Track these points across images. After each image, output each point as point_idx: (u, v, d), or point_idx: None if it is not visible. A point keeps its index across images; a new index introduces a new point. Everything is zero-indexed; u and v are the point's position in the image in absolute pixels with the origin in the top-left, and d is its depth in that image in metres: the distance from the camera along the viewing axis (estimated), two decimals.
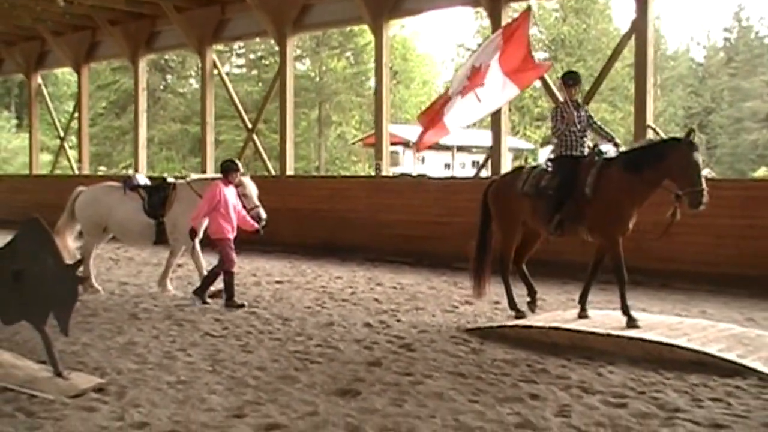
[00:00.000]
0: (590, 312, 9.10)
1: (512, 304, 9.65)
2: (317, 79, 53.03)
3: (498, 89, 10.00)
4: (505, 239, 9.73)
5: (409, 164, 42.48)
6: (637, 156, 8.52)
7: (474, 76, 9.93)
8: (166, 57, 47.97)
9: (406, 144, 42.87)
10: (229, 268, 10.48)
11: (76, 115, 25.12)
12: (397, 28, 56.10)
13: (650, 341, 7.69)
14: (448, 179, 19.05)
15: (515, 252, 9.76)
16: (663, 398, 6.30)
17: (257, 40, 41.55)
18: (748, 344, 7.74)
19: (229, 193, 10.52)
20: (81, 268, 8.51)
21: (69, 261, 11.53)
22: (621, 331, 8.00)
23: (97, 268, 12.65)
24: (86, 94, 24.88)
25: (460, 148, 45.70)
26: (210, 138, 20.49)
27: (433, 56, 67.10)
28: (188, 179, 11.82)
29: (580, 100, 9.52)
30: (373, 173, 16.87)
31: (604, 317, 8.90)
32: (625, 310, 8.39)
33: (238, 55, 53.83)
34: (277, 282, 12.78)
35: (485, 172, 16.35)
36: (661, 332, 8.01)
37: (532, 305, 9.62)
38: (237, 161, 10.94)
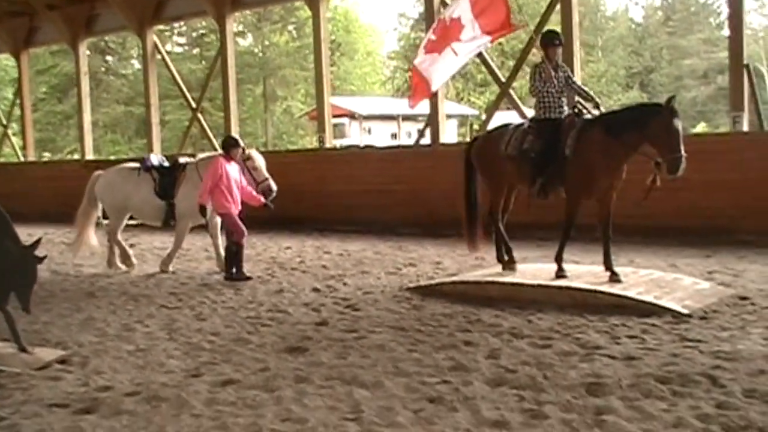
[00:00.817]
0: (527, 266, 9.73)
1: (500, 256, 9.81)
2: (260, 54, 53.00)
3: (471, 41, 10.20)
4: (493, 196, 9.81)
5: (356, 135, 42.88)
6: (617, 119, 8.64)
7: (451, 28, 10.12)
8: (107, 39, 47.57)
9: (351, 116, 43.35)
10: (239, 239, 10.59)
11: (18, 102, 25.10)
12: (337, 0, 56.31)
13: (576, 288, 8.34)
14: (389, 148, 19.51)
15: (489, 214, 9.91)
16: (585, 338, 6.93)
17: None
18: (665, 287, 8.43)
19: (231, 169, 10.63)
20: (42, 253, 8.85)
21: (85, 249, 12.06)
22: (550, 281, 8.61)
23: (49, 252, 12.94)
24: (27, 80, 24.86)
25: (406, 117, 46.13)
26: (155, 119, 20.76)
27: (376, 26, 67.27)
28: (196, 159, 11.91)
29: (559, 61, 9.38)
30: (317, 146, 17.27)
31: (537, 270, 9.51)
32: (559, 260, 8.90)
33: (180, 34, 53.49)
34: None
35: (425, 140, 16.87)
36: (587, 280, 8.66)
37: (511, 264, 9.66)
38: (237, 137, 11.09)
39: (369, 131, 44.15)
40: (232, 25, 19.21)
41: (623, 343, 6.73)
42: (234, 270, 10.59)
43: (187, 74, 45.45)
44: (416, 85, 10.59)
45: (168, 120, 44.16)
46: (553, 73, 9.11)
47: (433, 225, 14.49)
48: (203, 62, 49.58)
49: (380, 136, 44.83)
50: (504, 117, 15.33)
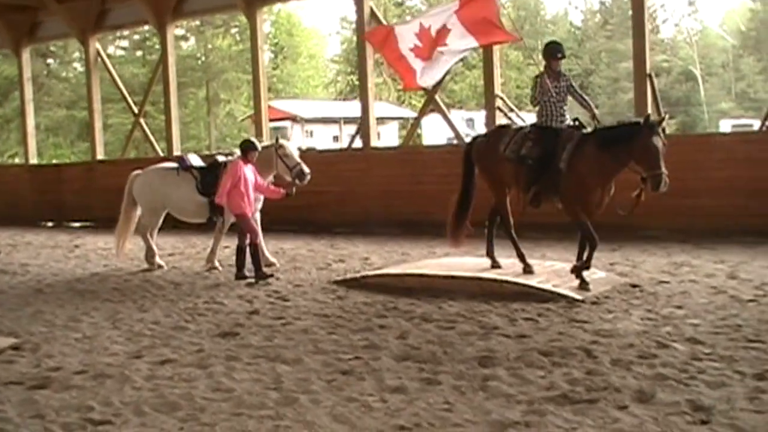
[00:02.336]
0: (450, 259, 10.61)
1: (490, 250, 10.10)
2: (203, 58, 53.38)
3: (458, 42, 10.53)
4: (496, 196, 10.05)
5: (298, 138, 43.61)
6: (609, 135, 8.83)
7: (439, 37, 10.47)
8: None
9: (293, 119, 44.08)
10: (253, 240, 10.83)
11: None
12: (277, 7, 56.71)
13: (484, 278, 9.26)
14: (325, 151, 20.33)
15: (490, 211, 10.16)
16: (486, 321, 7.84)
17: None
18: (564, 276, 9.38)
19: (248, 171, 10.87)
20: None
21: (122, 254, 12.52)
22: (461, 272, 9.52)
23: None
24: None
25: (348, 120, 47.00)
26: (98, 125, 21.33)
27: (318, 30, 68.03)
28: (236, 156, 11.94)
29: (562, 70, 9.57)
30: None
31: (460, 263, 10.41)
32: (584, 267, 9.11)
33: (122, 37, 53.58)
34: (170, 255, 13.92)
35: (357, 142, 17.71)
36: (497, 271, 9.58)
37: (527, 268, 9.74)
38: (255, 141, 11.27)
39: (311, 134, 44.91)
40: (173, 33, 19.86)
41: (518, 325, 7.66)
42: (254, 270, 10.78)
43: (130, 78, 45.64)
44: (405, 76, 11.00)
45: (111, 124, 44.28)
46: (549, 84, 9.30)
47: (365, 224, 15.37)
48: (146, 66, 49.80)
49: (322, 138, 45.67)
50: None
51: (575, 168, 8.93)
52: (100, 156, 21.37)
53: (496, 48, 15.01)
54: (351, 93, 55.67)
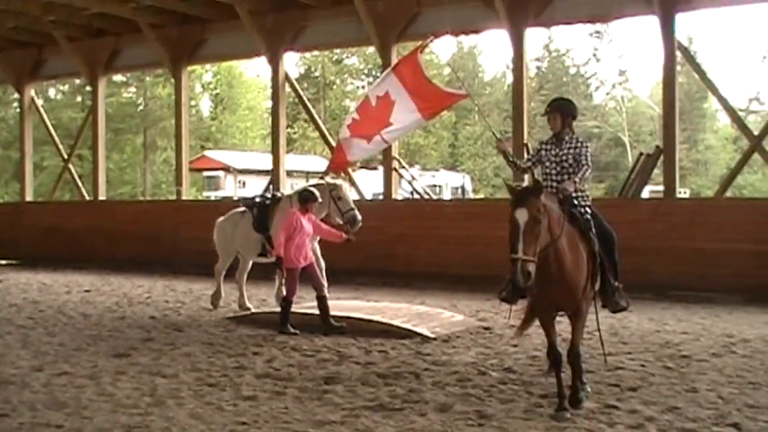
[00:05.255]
0: (338, 302, 11.85)
1: None
2: (142, 105, 54.46)
3: (404, 122, 10.32)
4: None
5: (231, 188, 44.81)
6: None
7: (379, 109, 10.16)
8: None
9: (226, 169, 45.33)
10: (289, 297, 10.61)
11: None
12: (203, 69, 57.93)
13: (355, 318, 10.65)
14: (237, 200, 21.73)
15: None
16: (345, 351, 9.24)
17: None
18: (425, 318, 10.85)
19: (306, 222, 10.66)
20: None
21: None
22: (336, 312, 10.89)
23: None
24: None
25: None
26: (29, 167, 22.53)
27: (258, 81, 69.43)
28: (291, 192, 12.46)
29: (567, 136, 7.59)
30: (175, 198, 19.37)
31: (347, 305, 11.78)
32: None
33: (62, 82, 54.42)
34: (86, 291, 15.08)
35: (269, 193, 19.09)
36: (367, 312, 11.01)
37: None
38: (315, 192, 10.97)
39: (243, 184, 46.07)
40: (104, 86, 21.22)
41: (371, 355, 9.07)
42: (322, 321, 10.57)
43: (67, 122, 46.75)
44: (336, 158, 11.16)
45: (46, 165, 45.09)
46: (542, 149, 7.66)
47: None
48: (83, 110, 50.69)
49: (254, 189, 46.80)
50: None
51: None
52: (29, 197, 22.46)
53: None
54: (288, 146, 57.19)
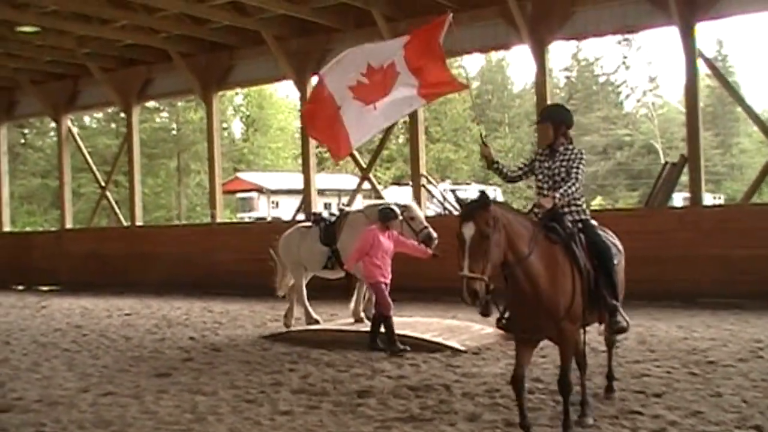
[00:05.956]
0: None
1: None
2: (175, 130, 55.31)
3: (401, 100, 9.76)
4: None
5: (264, 209, 45.37)
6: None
7: (387, 75, 9.59)
8: None
9: (259, 190, 45.92)
10: (386, 312, 10.52)
11: None
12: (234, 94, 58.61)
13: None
14: (270, 222, 22.21)
15: None
16: (378, 366, 9.53)
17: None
18: (455, 331, 11.11)
19: (385, 239, 10.64)
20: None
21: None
22: (366, 328, 11.17)
23: None
24: None
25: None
26: (68, 195, 23.19)
27: (289, 102, 70.10)
28: (362, 206, 12.67)
29: (561, 147, 7.13)
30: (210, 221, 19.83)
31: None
32: None
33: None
34: (126, 314, 15.53)
35: (300, 215, 19.46)
36: (398, 327, 11.27)
37: None
38: (395, 209, 11.00)
39: (277, 205, 46.64)
40: (137, 115, 21.80)
41: (403, 369, 9.35)
42: (385, 341, 10.53)
43: (103, 149, 47.64)
44: (337, 136, 9.94)
45: (83, 192, 45.98)
46: (536, 160, 7.21)
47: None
48: (118, 137, 51.63)
49: (287, 209, 47.36)
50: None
51: None
52: (69, 224, 23.09)
53: (421, 127, 16.89)
54: (318, 165, 57.80)
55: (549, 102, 16.00)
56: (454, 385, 8.33)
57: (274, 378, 8.99)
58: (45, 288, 22.18)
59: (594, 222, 7.15)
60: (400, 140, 54.95)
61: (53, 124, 49.33)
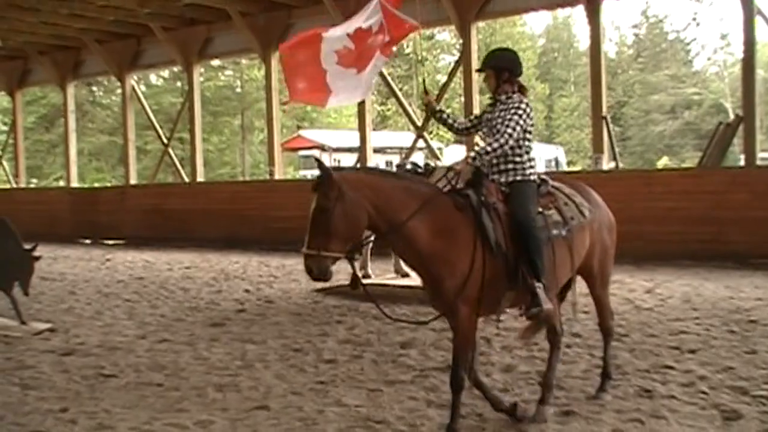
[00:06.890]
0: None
1: None
2: (239, 88, 55.95)
3: (374, 67, 8.99)
4: None
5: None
6: None
7: (374, 42, 8.99)
8: None
9: (321, 148, 46.38)
10: None
11: (12, 134, 28.02)
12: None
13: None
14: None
15: None
16: (424, 319, 9.78)
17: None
18: None
19: None
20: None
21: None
22: (415, 282, 11.45)
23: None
24: (21, 115, 27.82)
25: (376, 150, 49.01)
26: (132, 152, 23.90)
27: None
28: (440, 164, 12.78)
29: (503, 96, 6.13)
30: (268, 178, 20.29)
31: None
32: None
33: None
34: (186, 267, 16.07)
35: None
36: None
37: None
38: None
39: (338, 162, 47.03)
40: (199, 73, 22.24)
41: (446, 323, 9.58)
42: None
43: (168, 107, 48.43)
44: (309, 86, 8.84)
45: (150, 149, 47.00)
46: (485, 112, 6.26)
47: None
48: (183, 95, 52.46)
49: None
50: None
51: None
52: (132, 181, 23.77)
53: (476, 86, 16.94)
54: (381, 123, 58.00)
55: (602, 63, 15.94)
56: (495, 339, 8.58)
57: (321, 329, 9.35)
58: (110, 242, 22.95)
59: (551, 183, 6.33)
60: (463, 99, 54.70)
61: (118, 85, 50.58)
